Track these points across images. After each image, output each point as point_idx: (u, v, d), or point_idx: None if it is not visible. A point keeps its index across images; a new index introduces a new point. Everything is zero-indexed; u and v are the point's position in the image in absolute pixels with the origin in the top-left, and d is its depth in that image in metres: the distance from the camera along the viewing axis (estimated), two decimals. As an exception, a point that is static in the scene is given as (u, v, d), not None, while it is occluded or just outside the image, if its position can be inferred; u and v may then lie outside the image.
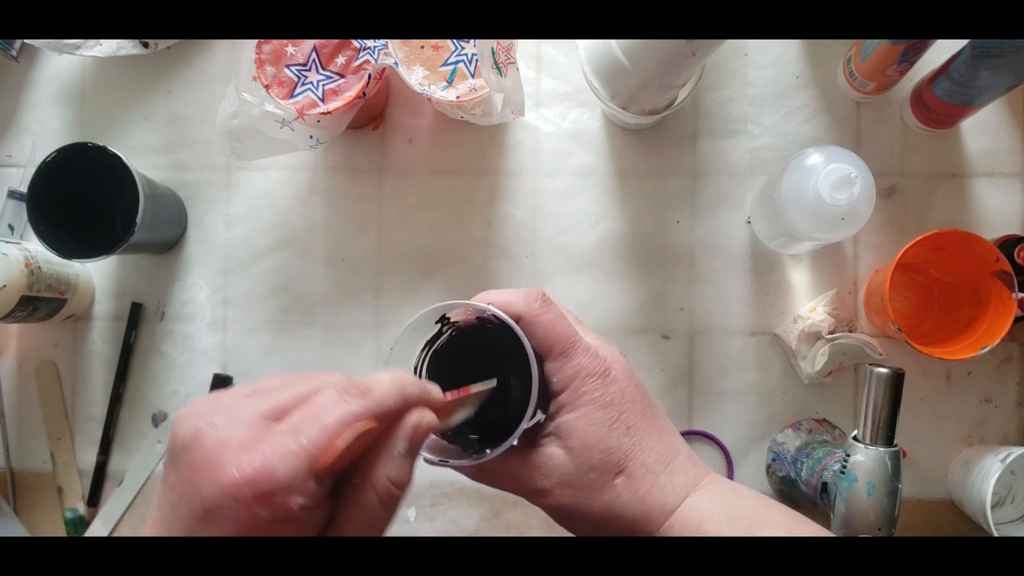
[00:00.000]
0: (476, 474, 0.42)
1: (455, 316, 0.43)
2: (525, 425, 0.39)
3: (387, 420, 0.32)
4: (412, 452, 0.32)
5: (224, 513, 0.28)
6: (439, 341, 0.44)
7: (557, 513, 0.41)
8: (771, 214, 0.59)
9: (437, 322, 0.43)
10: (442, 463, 0.40)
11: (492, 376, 0.41)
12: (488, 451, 0.40)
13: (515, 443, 0.39)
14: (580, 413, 0.40)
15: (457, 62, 0.59)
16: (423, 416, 0.32)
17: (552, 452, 0.41)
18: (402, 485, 0.32)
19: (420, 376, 0.43)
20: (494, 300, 0.41)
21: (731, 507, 0.41)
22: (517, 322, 0.40)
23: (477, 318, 0.43)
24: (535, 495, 0.41)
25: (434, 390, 0.35)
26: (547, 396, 0.42)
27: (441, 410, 0.35)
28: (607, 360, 0.42)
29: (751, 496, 0.42)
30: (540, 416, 0.42)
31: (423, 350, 0.44)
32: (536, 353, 0.40)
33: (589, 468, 0.40)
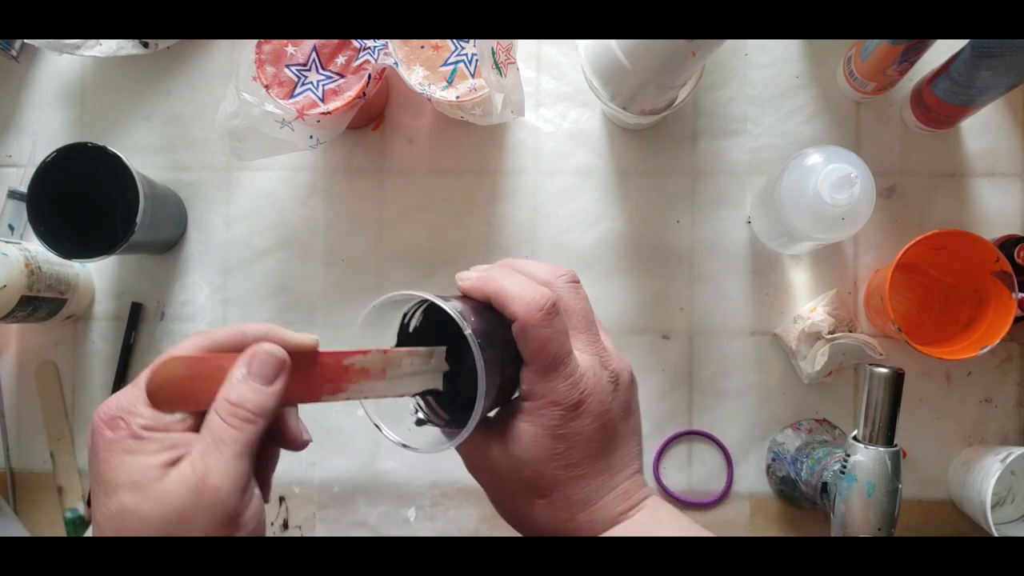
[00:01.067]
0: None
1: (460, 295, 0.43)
2: (471, 425, 0.38)
3: (223, 350, 0.37)
4: (256, 377, 0.35)
5: (92, 442, 0.35)
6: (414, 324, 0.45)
7: (483, 487, 0.44)
8: (771, 214, 0.59)
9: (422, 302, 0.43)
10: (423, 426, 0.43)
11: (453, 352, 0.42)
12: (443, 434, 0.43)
13: (468, 433, 0.39)
14: (532, 431, 0.40)
15: (457, 62, 0.59)
16: (261, 346, 0.35)
17: (493, 443, 0.42)
18: (244, 406, 0.35)
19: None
20: (506, 286, 0.41)
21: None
22: (513, 322, 0.40)
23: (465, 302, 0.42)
24: (467, 463, 0.44)
25: (293, 334, 0.37)
26: (515, 388, 0.42)
27: (332, 364, 0.37)
28: (585, 392, 0.41)
29: (673, 528, 0.43)
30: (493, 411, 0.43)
31: (407, 316, 0.44)
32: (522, 355, 0.40)
33: (517, 478, 0.41)
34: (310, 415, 0.70)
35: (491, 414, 0.42)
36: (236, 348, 0.36)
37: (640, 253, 0.67)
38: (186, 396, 0.35)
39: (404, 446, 0.41)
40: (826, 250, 0.66)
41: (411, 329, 0.44)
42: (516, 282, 0.41)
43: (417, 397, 0.43)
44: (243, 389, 0.35)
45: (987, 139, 0.66)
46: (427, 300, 0.40)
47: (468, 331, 0.38)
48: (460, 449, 0.43)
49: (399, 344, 0.44)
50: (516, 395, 0.42)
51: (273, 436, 0.39)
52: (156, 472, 0.34)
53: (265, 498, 0.39)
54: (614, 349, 0.45)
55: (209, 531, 0.34)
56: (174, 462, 0.34)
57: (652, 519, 0.43)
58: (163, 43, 0.68)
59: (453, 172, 0.68)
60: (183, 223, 0.69)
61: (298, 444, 0.41)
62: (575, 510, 0.42)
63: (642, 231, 0.67)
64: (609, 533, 0.42)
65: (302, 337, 0.38)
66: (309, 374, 0.37)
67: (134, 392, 0.36)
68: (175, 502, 0.33)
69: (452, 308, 0.38)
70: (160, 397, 0.34)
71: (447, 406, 0.44)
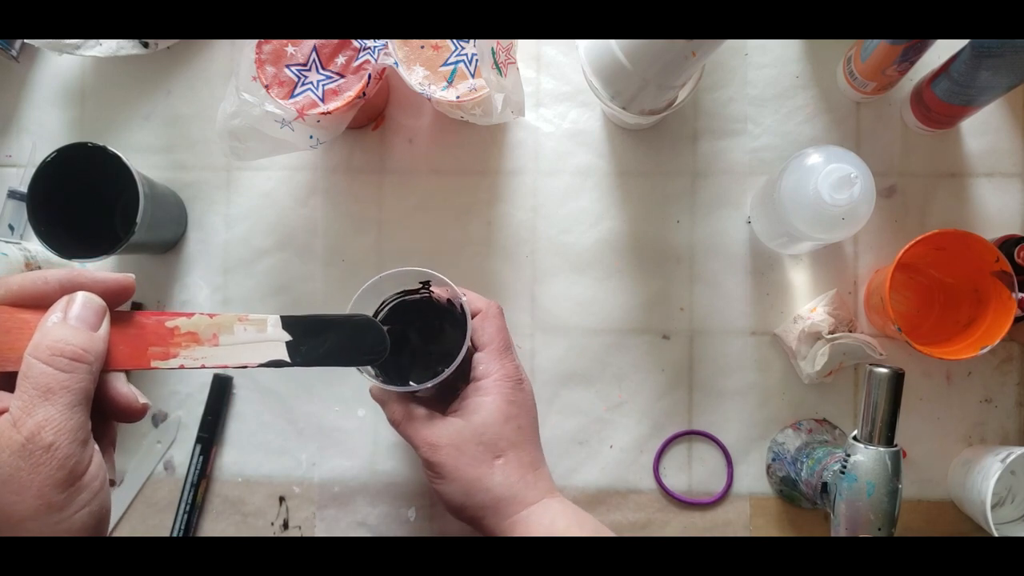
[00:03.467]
0: (394, 414, 0.52)
1: (435, 291, 0.54)
2: (448, 371, 0.48)
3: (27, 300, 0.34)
4: (77, 320, 0.33)
5: None
6: (410, 297, 0.54)
7: (438, 470, 0.49)
8: (771, 214, 0.59)
9: (421, 283, 0.53)
10: (382, 382, 0.49)
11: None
12: (412, 383, 0.51)
13: (431, 387, 0.49)
14: (491, 400, 0.50)
15: (457, 62, 0.59)
16: (77, 293, 0.33)
17: (453, 420, 0.50)
18: (71, 343, 0.32)
19: (378, 315, 0.53)
20: (468, 293, 0.53)
21: (578, 515, 0.50)
22: (474, 315, 0.52)
23: (448, 300, 0.54)
24: (428, 447, 0.50)
25: (105, 274, 0.36)
26: (465, 379, 0.52)
27: (154, 326, 0.37)
28: (523, 375, 0.53)
29: (591, 515, 0.51)
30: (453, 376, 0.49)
31: (396, 297, 0.54)
32: (473, 344, 0.52)
33: (478, 442, 0.49)
34: (310, 415, 0.70)
35: (440, 380, 0.49)
36: (37, 298, 0.33)
37: (640, 253, 0.67)
38: None
39: (386, 384, 0.49)
40: (826, 250, 0.66)
41: (378, 317, 0.53)
42: (472, 293, 0.54)
43: (367, 368, 0.49)
44: (64, 331, 0.32)
45: (987, 139, 0.66)
46: (403, 293, 0.53)
47: (463, 298, 0.50)
48: (426, 434, 0.50)
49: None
50: (458, 389, 0.52)
51: (103, 412, 0.36)
52: None
53: (112, 481, 0.36)
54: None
55: (46, 495, 0.30)
56: None
57: (574, 508, 0.51)
58: (163, 43, 0.68)
59: (453, 172, 0.68)
60: (183, 223, 0.69)
61: (133, 411, 0.36)
62: (524, 470, 0.50)
63: (642, 231, 0.67)
64: (546, 501, 0.50)
65: (115, 276, 0.35)
66: (132, 334, 0.36)
67: None
68: (9, 475, 0.29)
69: (465, 303, 0.50)
70: None
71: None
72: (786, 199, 0.55)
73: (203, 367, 0.38)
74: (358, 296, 0.50)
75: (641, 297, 0.67)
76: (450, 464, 0.49)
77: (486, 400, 0.50)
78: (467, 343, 0.49)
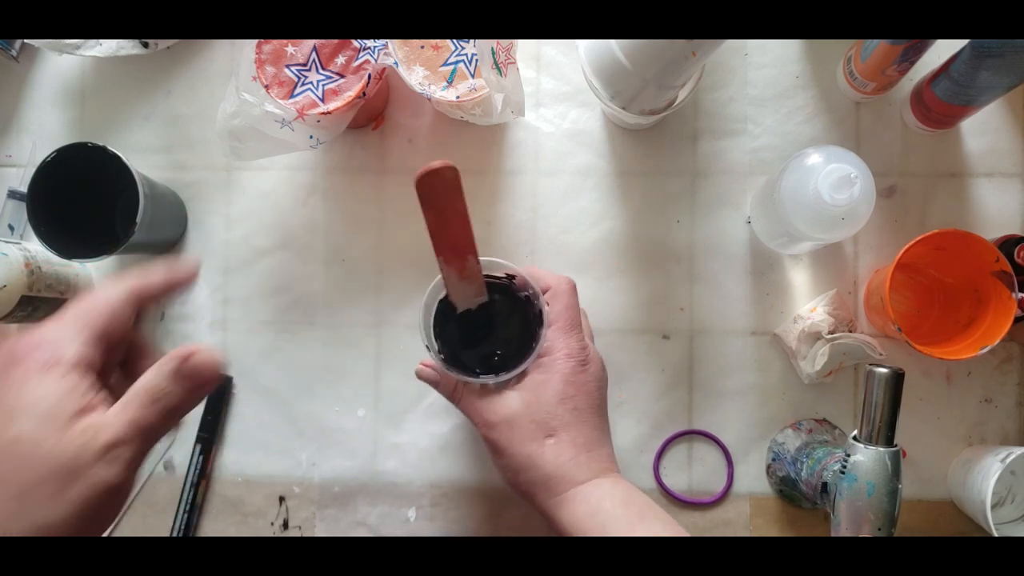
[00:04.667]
0: (455, 392, 0.53)
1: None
2: (529, 362, 0.51)
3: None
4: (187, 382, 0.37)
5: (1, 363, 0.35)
6: (492, 282, 0.55)
7: (493, 445, 0.51)
8: (771, 214, 0.59)
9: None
10: (454, 373, 0.51)
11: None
12: (478, 373, 0.53)
13: (511, 376, 0.51)
14: (546, 378, 0.50)
15: (457, 62, 0.59)
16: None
17: (510, 396, 0.51)
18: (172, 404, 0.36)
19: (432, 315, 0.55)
20: (536, 274, 0.54)
21: (628, 495, 0.49)
22: (545, 291, 0.53)
23: (526, 296, 0.55)
24: (484, 425, 0.51)
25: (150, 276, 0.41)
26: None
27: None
28: (589, 356, 0.52)
29: (644, 495, 0.51)
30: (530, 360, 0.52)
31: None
32: (545, 318, 0.52)
33: (531, 419, 0.50)
34: (310, 415, 0.70)
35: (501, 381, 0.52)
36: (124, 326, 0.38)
37: (640, 253, 0.67)
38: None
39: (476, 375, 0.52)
40: (826, 250, 0.66)
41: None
42: (543, 271, 0.55)
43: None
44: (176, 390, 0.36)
45: (987, 139, 0.66)
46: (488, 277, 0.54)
47: (545, 305, 0.53)
48: (481, 410, 0.51)
49: (437, 316, 0.55)
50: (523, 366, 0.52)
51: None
52: (68, 415, 0.33)
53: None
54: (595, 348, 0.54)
55: (86, 497, 0.32)
56: (84, 411, 0.33)
57: (631, 486, 0.51)
58: (163, 43, 0.68)
59: (453, 172, 0.68)
60: (183, 223, 0.69)
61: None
62: (577, 450, 0.50)
63: (642, 231, 0.67)
64: (597, 480, 0.50)
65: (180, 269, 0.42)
66: None
67: (62, 327, 0.35)
68: (73, 456, 0.32)
69: (536, 288, 0.53)
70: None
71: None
72: (786, 199, 0.55)
73: None
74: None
75: (641, 297, 0.67)
76: (503, 441, 0.50)
77: (544, 378, 0.50)
78: (542, 342, 0.51)
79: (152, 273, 0.40)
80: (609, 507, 0.48)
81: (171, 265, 0.41)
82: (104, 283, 0.38)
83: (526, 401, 0.50)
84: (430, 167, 0.42)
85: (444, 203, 0.45)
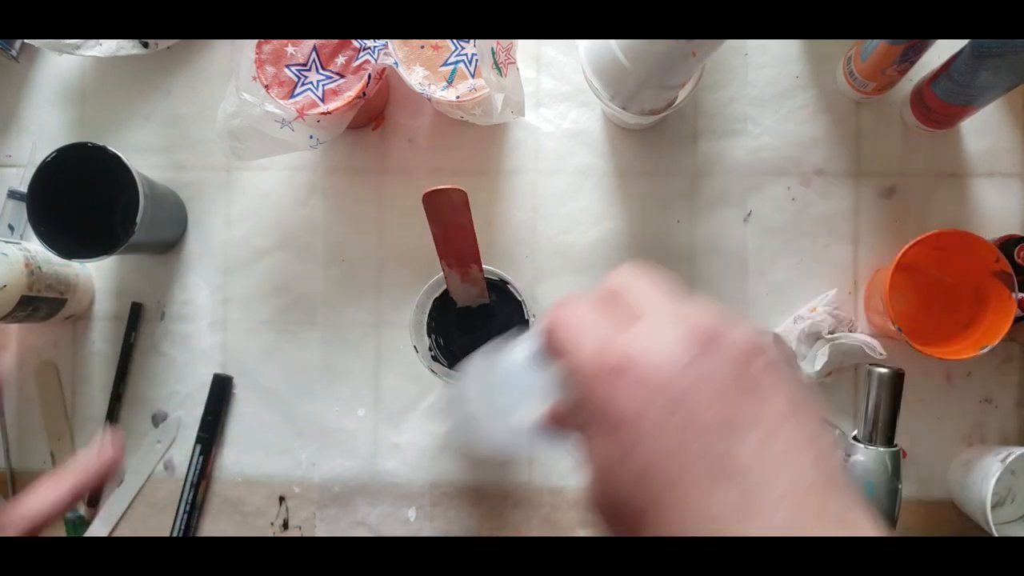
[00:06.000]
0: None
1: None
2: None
3: None
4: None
5: None
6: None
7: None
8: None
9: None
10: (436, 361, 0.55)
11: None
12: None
13: None
14: (588, 435, 0.29)
15: (457, 62, 0.59)
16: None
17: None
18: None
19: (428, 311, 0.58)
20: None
21: None
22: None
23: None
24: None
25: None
26: None
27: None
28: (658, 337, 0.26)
29: None
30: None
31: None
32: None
33: (608, 506, 0.30)
34: (310, 415, 0.70)
35: None
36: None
37: (640, 253, 0.67)
38: None
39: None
40: (826, 250, 0.66)
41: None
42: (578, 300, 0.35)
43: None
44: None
45: (987, 139, 0.66)
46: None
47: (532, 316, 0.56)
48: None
49: (430, 317, 0.58)
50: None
51: None
52: None
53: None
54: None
55: None
56: None
57: None
58: (163, 43, 0.68)
59: (453, 172, 0.68)
60: (183, 223, 0.69)
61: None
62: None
63: (642, 231, 0.67)
64: None
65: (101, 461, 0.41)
66: None
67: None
68: None
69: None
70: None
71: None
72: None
73: None
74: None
75: (641, 297, 0.67)
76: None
77: (585, 439, 0.42)
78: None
79: (82, 468, 0.41)
80: None
81: (97, 453, 0.42)
82: (41, 484, 0.40)
83: (589, 483, 0.32)
84: (438, 188, 0.43)
85: (449, 219, 0.45)
